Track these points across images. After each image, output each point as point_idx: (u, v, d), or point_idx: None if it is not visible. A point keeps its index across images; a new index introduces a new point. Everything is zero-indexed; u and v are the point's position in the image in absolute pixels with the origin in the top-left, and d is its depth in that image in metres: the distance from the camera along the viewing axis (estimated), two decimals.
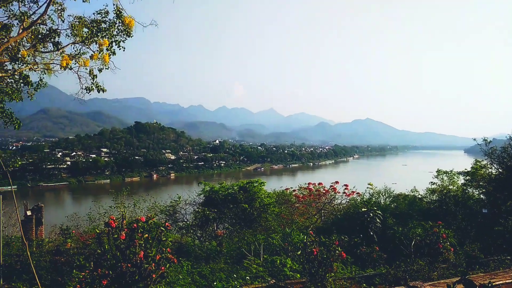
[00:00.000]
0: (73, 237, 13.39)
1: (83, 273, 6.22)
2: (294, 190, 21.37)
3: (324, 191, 19.47)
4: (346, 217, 15.47)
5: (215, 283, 8.75)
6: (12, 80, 13.35)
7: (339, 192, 19.14)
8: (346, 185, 18.88)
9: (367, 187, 19.41)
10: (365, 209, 13.83)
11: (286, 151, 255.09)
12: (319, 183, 20.01)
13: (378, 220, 13.22)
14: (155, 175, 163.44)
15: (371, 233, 13.00)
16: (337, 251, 7.76)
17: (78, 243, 12.80)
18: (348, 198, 18.96)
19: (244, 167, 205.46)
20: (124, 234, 5.34)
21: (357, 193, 18.88)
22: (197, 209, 17.75)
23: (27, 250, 9.21)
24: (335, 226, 14.88)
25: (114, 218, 5.50)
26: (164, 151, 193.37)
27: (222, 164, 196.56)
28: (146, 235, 5.45)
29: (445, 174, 18.88)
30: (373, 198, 18.20)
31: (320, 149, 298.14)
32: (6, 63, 12.79)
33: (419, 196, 18.64)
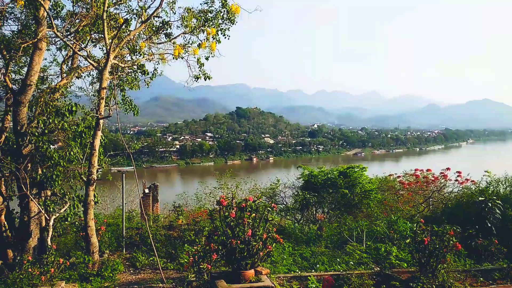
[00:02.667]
0: (184, 214, 14.55)
1: (196, 247, 6.77)
2: (398, 177, 20.24)
3: (433, 178, 18.09)
4: (458, 206, 14.22)
5: (317, 266, 8.80)
6: (131, 70, 14.83)
7: (450, 180, 17.61)
8: (458, 172, 17.28)
9: (484, 175, 17.52)
10: (482, 199, 12.54)
11: (389, 136, 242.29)
12: (427, 170, 18.63)
13: (497, 211, 11.91)
14: (255, 159, 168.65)
15: (489, 225, 11.78)
16: (451, 242, 7.21)
17: (189, 220, 13.85)
18: (461, 186, 17.34)
19: (343, 151, 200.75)
20: (233, 213, 5.64)
21: (472, 181, 17.16)
22: (296, 193, 17.90)
23: (146, 224, 10.26)
24: (445, 216, 13.80)
25: (225, 197, 5.83)
26: (263, 136, 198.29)
27: (320, 149, 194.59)
28: (254, 214, 5.68)
29: None
30: (491, 187, 16.38)
31: (428, 133, 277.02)
32: (126, 55, 14.26)
33: None
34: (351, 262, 8.81)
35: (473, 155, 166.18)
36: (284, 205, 17.90)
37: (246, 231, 5.49)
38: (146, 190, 15.41)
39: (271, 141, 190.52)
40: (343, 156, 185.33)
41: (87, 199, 10.09)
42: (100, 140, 13.00)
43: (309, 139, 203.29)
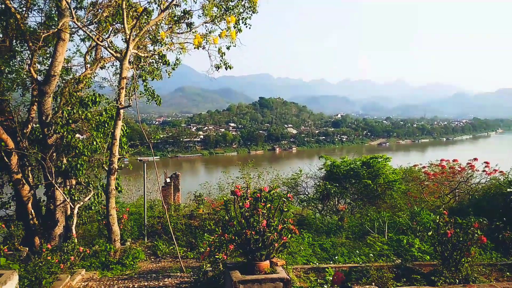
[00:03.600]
0: (205, 203, 14.65)
1: (213, 237, 6.76)
2: (423, 167, 19.74)
3: (459, 169, 17.55)
4: (485, 198, 13.75)
5: (336, 257, 8.68)
6: (153, 61, 14.92)
7: (478, 171, 17.04)
8: (486, 163, 16.68)
9: None
10: (511, 190, 12.07)
11: (415, 125, 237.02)
12: (454, 160, 18.08)
13: None
14: (277, 149, 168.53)
15: None
16: (476, 235, 6.93)
17: (209, 209, 13.94)
18: (489, 177, 16.75)
19: (368, 142, 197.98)
20: (248, 203, 5.58)
21: (500, 172, 16.54)
22: (318, 183, 17.76)
23: (166, 213, 10.36)
24: (472, 207, 13.37)
25: (240, 187, 5.77)
26: (286, 126, 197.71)
27: (344, 139, 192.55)
28: (269, 204, 5.60)
29: None
30: None
31: (456, 123, 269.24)
32: (148, 45, 14.34)
33: None
34: (371, 254, 8.62)
35: (502, 145, 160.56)
36: (305, 195, 17.79)
37: (261, 222, 5.41)
38: (168, 180, 15.59)
39: (294, 131, 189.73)
40: (367, 146, 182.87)
41: (108, 188, 10.26)
42: (122, 129, 13.23)
43: (333, 129, 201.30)
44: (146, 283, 7.52)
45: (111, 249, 9.80)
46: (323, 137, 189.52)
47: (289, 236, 5.69)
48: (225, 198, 6.15)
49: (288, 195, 5.82)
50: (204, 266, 7.16)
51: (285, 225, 5.63)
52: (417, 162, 21.24)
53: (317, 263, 8.10)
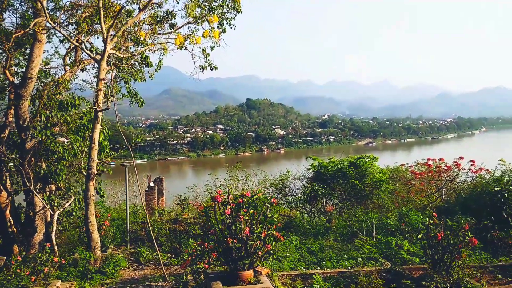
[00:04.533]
0: (190, 207, 14.30)
1: (196, 243, 6.43)
2: (410, 166, 19.74)
3: (445, 168, 17.56)
4: (472, 196, 13.72)
5: (324, 262, 8.44)
6: (136, 62, 14.57)
7: (464, 169, 17.07)
8: (472, 161, 16.71)
9: (498, 164, 16.90)
10: (498, 189, 12.03)
11: (400, 125, 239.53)
12: (440, 159, 18.09)
13: None
14: (265, 150, 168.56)
15: (505, 216, 11.28)
16: (466, 237, 6.75)
17: (195, 213, 13.62)
18: (475, 175, 16.78)
19: (354, 142, 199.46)
20: (229, 209, 5.30)
21: (486, 170, 16.58)
22: (306, 184, 17.58)
23: (147, 219, 10.03)
24: (458, 206, 13.33)
25: (221, 193, 5.49)
26: (273, 127, 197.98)
27: (331, 139, 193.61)
28: (252, 210, 5.33)
29: None
30: (506, 176, 15.79)
31: (441, 122, 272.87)
32: (130, 47, 13.98)
33: None
34: (359, 258, 8.41)
35: (486, 144, 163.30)
36: (293, 197, 17.61)
37: (243, 229, 5.14)
38: (151, 184, 15.21)
39: (282, 132, 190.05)
40: (354, 147, 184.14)
41: (87, 194, 9.88)
42: (104, 133, 12.83)
43: (320, 129, 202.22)
44: None
45: (91, 257, 9.40)
46: (311, 138, 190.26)
47: (273, 244, 5.42)
48: (205, 205, 5.86)
49: (273, 199, 5.55)
50: (185, 276, 6.84)
51: (269, 231, 5.36)
52: (404, 162, 21.24)
53: (304, 269, 7.83)
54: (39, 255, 8.25)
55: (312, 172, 18.26)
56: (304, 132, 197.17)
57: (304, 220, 13.88)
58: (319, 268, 8.09)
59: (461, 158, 17.22)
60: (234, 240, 5.10)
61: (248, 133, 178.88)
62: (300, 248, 10.04)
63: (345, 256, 9.00)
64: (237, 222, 5.20)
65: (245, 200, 5.33)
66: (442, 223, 7.05)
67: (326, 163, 17.85)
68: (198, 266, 6.22)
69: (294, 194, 17.96)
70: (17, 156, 11.52)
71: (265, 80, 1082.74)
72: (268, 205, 5.42)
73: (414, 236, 9.58)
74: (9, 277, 6.28)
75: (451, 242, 6.80)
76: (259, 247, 5.32)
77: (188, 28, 13.51)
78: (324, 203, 16.23)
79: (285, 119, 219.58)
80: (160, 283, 7.86)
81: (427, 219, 7.32)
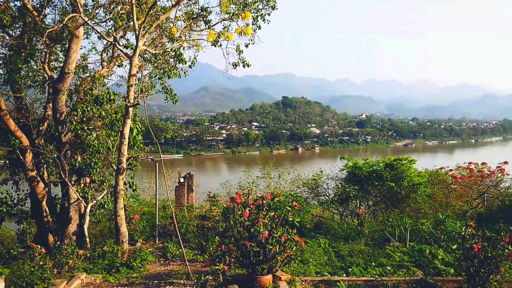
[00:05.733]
0: (218, 204, 14.26)
1: (213, 246, 6.29)
2: (450, 170, 18.83)
3: (488, 172, 16.61)
4: None
5: (350, 269, 8.08)
6: (171, 59, 14.68)
7: (508, 174, 16.10)
8: None
9: None
10: None
11: (442, 126, 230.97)
12: (483, 163, 17.14)
13: None
14: (300, 148, 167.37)
15: None
16: (506, 250, 6.21)
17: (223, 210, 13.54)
18: None
19: (393, 142, 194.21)
20: (248, 211, 5.11)
21: None
22: (338, 185, 17.19)
23: (174, 214, 10.03)
24: (501, 213, 12.53)
25: (241, 193, 5.31)
26: (309, 125, 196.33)
27: (368, 139, 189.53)
28: (272, 213, 5.12)
29: None
30: None
31: (485, 124, 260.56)
32: (166, 43, 14.09)
33: None
34: (388, 267, 7.97)
35: None
36: (326, 197, 17.28)
37: (262, 233, 4.94)
38: (181, 180, 15.31)
39: (317, 131, 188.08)
40: (392, 147, 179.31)
41: (116, 188, 10.01)
42: (137, 128, 13.02)
43: (357, 129, 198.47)
44: None
45: (119, 250, 9.52)
46: (347, 137, 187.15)
47: (293, 249, 5.18)
48: (224, 205, 5.71)
49: (294, 203, 5.31)
50: (203, 276, 6.73)
51: (289, 236, 5.12)
52: (444, 165, 20.33)
53: (329, 275, 7.49)
54: (64, 247, 8.42)
55: (346, 173, 17.82)
56: (340, 131, 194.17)
57: (334, 222, 13.51)
58: (345, 274, 7.74)
59: (505, 163, 16.26)
60: (253, 243, 4.92)
61: (283, 131, 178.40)
62: (328, 251, 9.72)
63: (373, 263, 8.59)
64: (256, 224, 5.02)
65: (265, 202, 5.13)
66: (480, 233, 6.53)
67: (361, 164, 17.36)
68: (217, 267, 6.08)
69: (327, 194, 17.61)
70: (54, 148, 11.89)
71: (301, 78, 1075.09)
72: (289, 208, 5.19)
73: (450, 245, 9.03)
74: (32, 269, 6.40)
75: (489, 255, 6.28)
76: (278, 251, 5.10)
77: (222, 24, 13.47)
78: (358, 205, 15.77)
79: (321, 118, 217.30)
80: (182, 280, 7.81)
81: (464, 228, 6.79)
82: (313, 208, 16.58)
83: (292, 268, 6.95)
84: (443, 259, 8.47)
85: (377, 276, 7.30)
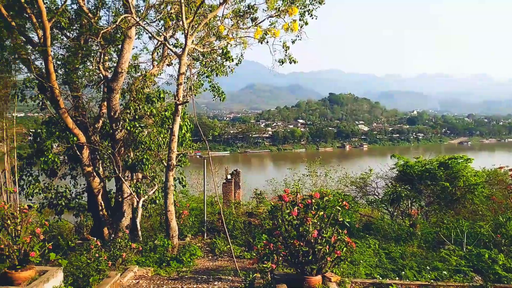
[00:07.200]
0: (264, 202, 14.29)
1: (260, 244, 6.27)
2: (510, 169, 17.63)
3: None
4: None
5: (403, 272, 7.74)
6: (218, 57, 14.87)
7: None
8: None
9: None
10: None
11: (500, 123, 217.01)
12: None
13: None
14: (347, 146, 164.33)
15: None
16: None
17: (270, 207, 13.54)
18: None
19: (447, 140, 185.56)
20: (296, 210, 5.03)
21: None
22: (389, 184, 16.63)
23: (221, 211, 10.17)
24: None
25: (289, 192, 5.24)
26: (357, 122, 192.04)
27: (420, 137, 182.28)
28: (322, 212, 5.01)
29: None
30: None
31: None
32: (214, 42, 14.29)
33: None
34: (444, 272, 7.55)
35: None
36: (375, 196, 16.77)
37: (311, 232, 4.84)
38: (229, 176, 15.51)
39: (366, 128, 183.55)
40: (446, 145, 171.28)
41: (166, 184, 10.30)
42: (186, 125, 13.34)
43: (408, 126, 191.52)
44: (195, 286, 7.31)
45: (169, 245, 9.82)
46: (397, 135, 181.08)
47: (343, 250, 5.03)
48: (272, 203, 5.66)
49: (344, 202, 5.16)
50: (251, 274, 6.72)
51: (339, 236, 4.99)
52: (503, 164, 19.07)
53: (380, 278, 7.23)
54: (118, 240, 8.78)
55: (397, 172, 17.20)
56: (390, 128, 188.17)
57: (384, 222, 13.08)
58: (397, 278, 7.43)
59: None
60: (301, 243, 4.84)
61: (330, 128, 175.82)
62: (378, 252, 9.41)
63: (427, 267, 8.18)
64: (305, 224, 4.93)
65: (314, 201, 5.03)
66: None
67: (413, 163, 16.67)
68: (265, 265, 6.05)
69: (376, 194, 17.09)
70: (109, 145, 12.45)
71: (349, 74, 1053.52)
72: (339, 208, 5.05)
73: (511, 249, 8.43)
74: (89, 261, 6.74)
75: None
76: (328, 252, 4.99)
77: (268, 20, 13.44)
78: (409, 205, 15.17)
79: (370, 115, 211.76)
80: (230, 277, 7.90)
81: None
82: (361, 207, 16.17)
83: (341, 269, 6.81)
84: (504, 264, 7.91)
85: (432, 280, 6.95)
